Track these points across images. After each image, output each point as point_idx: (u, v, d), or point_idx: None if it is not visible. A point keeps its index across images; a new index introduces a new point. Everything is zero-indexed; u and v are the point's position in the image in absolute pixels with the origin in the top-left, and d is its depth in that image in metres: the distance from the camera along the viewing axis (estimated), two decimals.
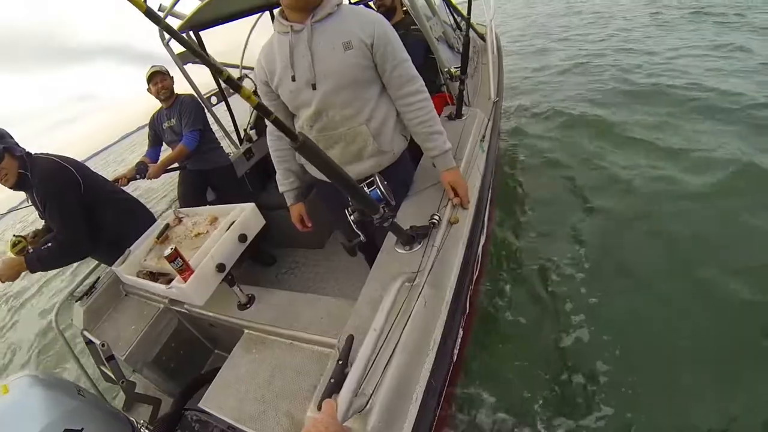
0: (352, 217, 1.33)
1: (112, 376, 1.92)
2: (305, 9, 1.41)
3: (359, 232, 1.38)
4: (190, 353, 2.25)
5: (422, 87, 1.54)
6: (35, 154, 2.19)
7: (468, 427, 2.17)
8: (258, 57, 1.62)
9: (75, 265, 8.55)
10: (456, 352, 1.55)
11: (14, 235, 2.29)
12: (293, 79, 1.48)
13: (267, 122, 1.71)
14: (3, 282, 2.06)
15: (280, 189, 1.87)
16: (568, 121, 5.30)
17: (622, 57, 7.14)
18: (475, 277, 1.84)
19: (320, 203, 2.00)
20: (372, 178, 1.32)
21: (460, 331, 1.59)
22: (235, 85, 0.86)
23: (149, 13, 0.74)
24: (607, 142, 4.50)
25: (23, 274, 2.09)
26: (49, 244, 2.14)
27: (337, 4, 1.45)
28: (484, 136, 2.21)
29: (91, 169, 2.37)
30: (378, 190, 1.28)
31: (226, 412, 1.45)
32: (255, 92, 0.90)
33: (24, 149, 2.14)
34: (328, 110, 1.52)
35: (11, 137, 2.11)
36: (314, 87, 1.47)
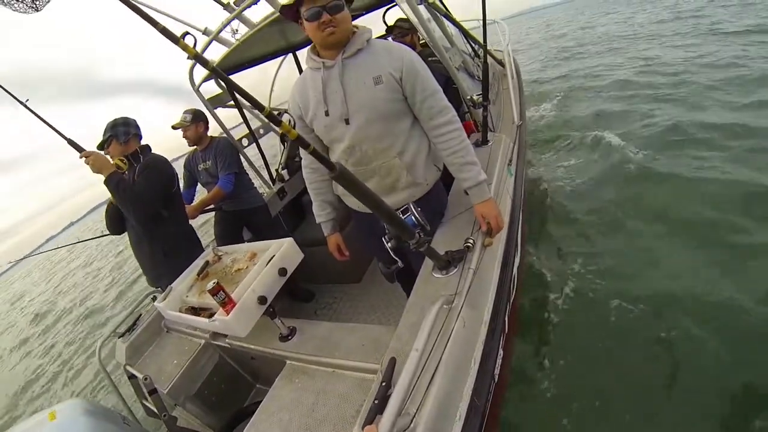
0: (389, 244, 1.36)
1: (155, 410, 1.95)
2: (336, 47, 1.48)
3: (397, 259, 1.41)
4: (232, 387, 2.28)
5: (454, 118, 1.56)
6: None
7: None
8: (292, 92, 1.69)
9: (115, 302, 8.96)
10: (497, 371, 1.55)
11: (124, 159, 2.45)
12: (327, 113, 1.54)
13: (303, 155, 1.78)
14: (86, 162, 2.21)
15: (318, 220, 1.90)
16: None
17: None
18: (512, 297, 1.84)
19: (356, 238, 2.04)
20: (406, 206, 1.35)
21: (500, 351, 1.58)
22: (276, 120, 0.93)
23: (198, 58, 0.83)
24: None
25: (101, 177, 2.22)
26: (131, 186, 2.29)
27: (367, 39, 1.51)
28: (511, 160, 2.24)
29: None
30: (413, 217, 1.32)
31: None
32: (293, 126, 0.97)
33: (138, 137, 2.49)
34: (361, 144, 1.57)
35: (126, 125, 2.42)
36: (347, 122, 1.52)
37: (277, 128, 4.13)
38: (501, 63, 3.77)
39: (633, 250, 3.23)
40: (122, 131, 2.40)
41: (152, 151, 2.50)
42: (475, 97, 2.32)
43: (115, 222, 2.53)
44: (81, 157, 2.22)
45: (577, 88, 9.36)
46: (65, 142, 2.26)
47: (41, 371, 7.18)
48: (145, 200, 2.26)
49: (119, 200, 2.27)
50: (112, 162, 2.30)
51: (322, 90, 1.53)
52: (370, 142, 1.56)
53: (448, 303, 1.34)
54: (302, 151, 1.77)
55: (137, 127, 2.49)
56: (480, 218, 1.61)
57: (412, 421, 1.03)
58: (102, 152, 2.36)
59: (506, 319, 1.66)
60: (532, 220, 4.06)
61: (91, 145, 2.34)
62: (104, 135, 2.39)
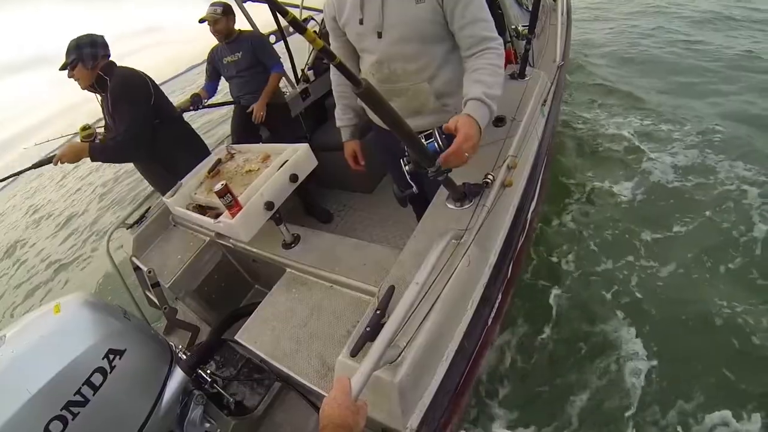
0: (407, 167, 1.30)
1: (156, 302, 2.01)
2: None
3: (412, 183, 1.35)
4: (231, 286, 2.33)
5: (496, 45, 1.37)
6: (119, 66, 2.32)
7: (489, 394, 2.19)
8: None
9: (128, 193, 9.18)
10: (492, 316, 1.54)
11: (85, 124, 2.36)
12: (360, 22, 1.43)
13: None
14: (62, 163, 2.14)
15: (338, 124, 1.83)
16: None
17: None
18: (520, 244, 1.80)
19: (375, 149, 1.96)
20: (430, 131, 1.27)
21: (499, 296, 1.56)
22: (301, 28, 0.82)
23: None
24: None
25: (84, 159, 2.16)
26: (112, 139, 2.21)
27: None
28: (546, 100, 2.11)
29: None
30: (436, 143, 1.23)
31: (261, 346, 1.51)
32: (319, 35, 0.86)
33: (106, 58, 2.25)
34: (390, 62, 1.47)
35: (94, 46, 2.18)
36: (380, 35, 1.42)
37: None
38: None
39: None
40: (89, 54, 2.17)
41: (116, 66, 2.29)
42: (520, 28, 2.15)
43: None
44: (55, 165, 2.14)
45: None
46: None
47: None
48: (137, 132, 2.19)
49: (114, 159, 2.26)
50: (80, 139, 2.22)
51: None
52: (401, 61, 1.46)
53: (457, 238, 1.30)
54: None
55: (105, 47, 2.25)
56: (452, 124, 1.21)
57: (400, 354, 1.03)
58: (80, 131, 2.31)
59: (510, 265, 1.63)
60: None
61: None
62: (68, 56, 2.17)
